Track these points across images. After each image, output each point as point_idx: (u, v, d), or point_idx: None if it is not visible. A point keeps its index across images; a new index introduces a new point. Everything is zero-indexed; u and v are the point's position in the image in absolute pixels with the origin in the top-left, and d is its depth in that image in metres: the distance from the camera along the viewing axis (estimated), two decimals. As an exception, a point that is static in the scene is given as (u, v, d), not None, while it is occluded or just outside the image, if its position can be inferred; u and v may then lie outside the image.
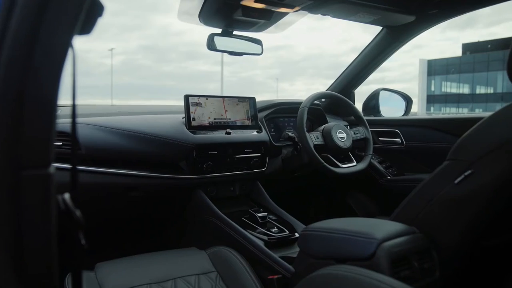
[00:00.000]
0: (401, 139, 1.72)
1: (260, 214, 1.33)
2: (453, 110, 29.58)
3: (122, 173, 1.31)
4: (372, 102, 1.95)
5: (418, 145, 1.66)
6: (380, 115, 1.94)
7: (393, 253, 0.79)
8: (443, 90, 30.48)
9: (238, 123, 1.47)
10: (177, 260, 1.15)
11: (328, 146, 1.47)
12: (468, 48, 29.88)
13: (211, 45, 1.41)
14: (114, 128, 1.32)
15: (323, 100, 1.96)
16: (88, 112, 1.46)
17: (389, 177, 1.73)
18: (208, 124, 1.40)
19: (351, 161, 1.53)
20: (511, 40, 0.97)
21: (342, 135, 1.50)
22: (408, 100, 2.00)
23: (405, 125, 1.73)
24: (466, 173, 0.81)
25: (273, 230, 1.28)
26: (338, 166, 1.45)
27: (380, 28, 1.67)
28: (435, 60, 31.74)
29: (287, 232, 1.27)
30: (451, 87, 30.48)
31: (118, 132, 1.32)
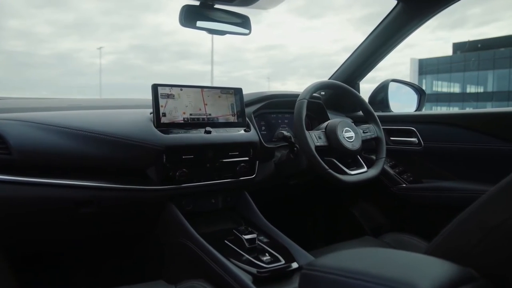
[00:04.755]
0: (418, 139, 1.44)
1: (247, 237, 1.04)
2: (444, 108, 29.76)
3: (69, 184, 1.03)
4: (380, 96, 1.67)
5: (440, 145, 1.38)
6: (390, 111, 1.67)
7: None
8: (434, 89, 30.62)
9: (221, 120, 1.22)
10: None
11: (333, 148, 1.20)
12: (459, 47, 30.01)
13: (185, 20, 1.12)
14: (59, 126, 1.03)
15: (322, 93, 1.69)
16: (26, 106, 1.15)
17: (403, 185, 1.46)
18: (182, 121, 1.14)
19: (361, 166, 1.26)
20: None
21: (349, 134, 1.23)
22: (421, 93, 1.73)
23: (423, 121, 1.45)
24: None
25: (264, 258, 0.99)
26: (346, 173, 1.18)
27: (394, 3, 1.38)
28: (426, 59, 31.84)
29: (283, 262, 0.98)
30: (442, 86, 30.61)
31: (63, 131, 1.03)
